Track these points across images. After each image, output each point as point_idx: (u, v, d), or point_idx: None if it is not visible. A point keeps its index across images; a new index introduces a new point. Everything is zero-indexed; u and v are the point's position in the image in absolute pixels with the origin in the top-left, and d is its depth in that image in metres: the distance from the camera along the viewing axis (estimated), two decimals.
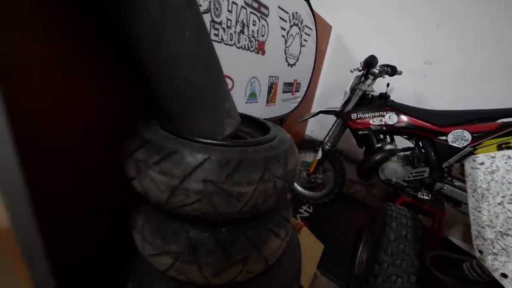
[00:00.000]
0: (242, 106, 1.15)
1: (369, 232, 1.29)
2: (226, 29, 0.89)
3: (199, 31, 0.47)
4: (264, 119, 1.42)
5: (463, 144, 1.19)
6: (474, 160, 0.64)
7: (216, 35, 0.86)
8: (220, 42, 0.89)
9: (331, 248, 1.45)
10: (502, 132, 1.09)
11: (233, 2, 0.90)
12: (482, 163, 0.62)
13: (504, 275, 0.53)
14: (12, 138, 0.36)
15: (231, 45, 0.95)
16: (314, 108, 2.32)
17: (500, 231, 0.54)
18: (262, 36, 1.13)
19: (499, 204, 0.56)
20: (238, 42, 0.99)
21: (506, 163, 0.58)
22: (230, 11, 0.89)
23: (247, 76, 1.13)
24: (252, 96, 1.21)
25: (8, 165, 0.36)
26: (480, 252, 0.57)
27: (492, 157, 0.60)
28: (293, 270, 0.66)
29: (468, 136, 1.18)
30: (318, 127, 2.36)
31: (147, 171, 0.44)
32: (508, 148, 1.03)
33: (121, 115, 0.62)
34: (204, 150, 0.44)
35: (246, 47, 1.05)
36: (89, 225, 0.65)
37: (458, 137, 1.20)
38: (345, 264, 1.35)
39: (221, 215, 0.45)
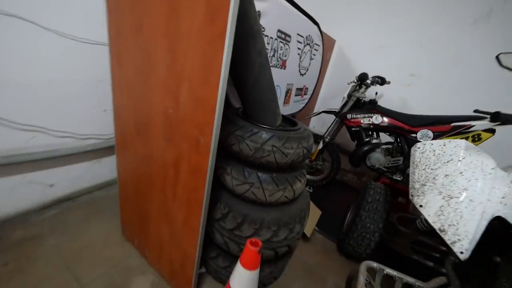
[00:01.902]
0: None
1: (355, 202, 1.76)
2: (268, 57, 1.33)
3: (270, 72, 0.92)
4: (284, 115, 1.86)
5: (427, 140, 1.65)
6: (416, 146, 1.09)
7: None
8: None
9: (326, 216, 1.92)
10: (453, 132, 1.56)
11: (271, 37, 1.34)
12: (419, 148, 1.07)
13: (421, 206, 0.99)
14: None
15: (270, 66, 1.39)
16: (317, 108, 2.76)
17: (422, 184, 1.00)
18: (285, 56, 1.57)
19: (423, 169, 1.02)
20: (271, 63, 1.43)
21: (430, 147, 1.03)
22: (268, 43, 1.33)
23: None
24: None
25: None
26: (412, 195, 1.03)
27: (424, 144, 1.06)
28: (306, 203, 1.12)
29: (431, 134, 1.64)
30: (319, 124, 2.81)
31: (243, 140, 0.90)
32: None
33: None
34: (271, 131, 0.89)
35: (275, 65, 1.49)
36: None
37: (424, 135, 1.66)
38: (336, 227, 1.83)
39: (277, 164, 0.91)
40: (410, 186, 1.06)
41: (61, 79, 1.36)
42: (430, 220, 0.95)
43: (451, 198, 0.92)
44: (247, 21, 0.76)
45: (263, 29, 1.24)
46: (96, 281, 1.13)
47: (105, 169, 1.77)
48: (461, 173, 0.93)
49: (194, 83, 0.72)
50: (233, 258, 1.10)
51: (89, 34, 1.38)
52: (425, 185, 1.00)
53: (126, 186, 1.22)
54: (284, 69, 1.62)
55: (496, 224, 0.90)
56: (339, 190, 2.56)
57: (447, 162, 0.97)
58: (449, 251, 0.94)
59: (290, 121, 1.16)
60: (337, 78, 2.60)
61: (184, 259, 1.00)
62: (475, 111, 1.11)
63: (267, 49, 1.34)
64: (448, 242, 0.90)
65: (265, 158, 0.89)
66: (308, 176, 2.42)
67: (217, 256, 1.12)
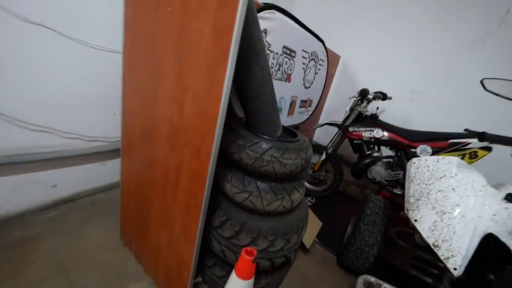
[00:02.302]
0: None
1: (355, 214, 1.77)
2: (270, 71, 1.40)
3: (272, 85, 0.99)
4: (285, 126, 1.92)
5: (426, 155, 1.67)
6: (411, 161, 1.13)
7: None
8: None
9: (327, 228, 1.93)
10: (451, 149, 1.58)
11: (276, 53, 1.42)
12: (414, 163, 1.10)
13: (415, 220, 1.01)
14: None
15: (272, 80, 1.46)
16: (321, 120, 2.82)
17: (416, 198, 1.03)
18: (290, 70, 1.64)
19: (418, 184, 1.05)
20: (275, 76, 1.51)
21: (424, 162, 1.06)
22: (274, 58, 1.41)
23: (278, 96, 1.64)
24: (279, 110, 1.72)
25: None
26: (407, 210, 1.06)
27: (419, 160, 1.09)
28: (304, 213, 1.15)
29: (429, 150, 1.66)
30: (323, 135, 2.85)
31: (243, 149, 0.95)
32: None
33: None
34: (271, 142, 0.94)
35: (280, 78, 1.56)
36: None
37: (423, 150, 1.69)
38: (336, 239, 1.83)
39: (276, 173, 0.96)
40: (406, 200, 1.08)
41: (76, 83, 1.43)
42: (424, 235, 0.97)
43: (444, 213, 0.95)
44: (251, 40, 0.84)
45: (268, 45, 1.32)
46: (90, 287, 1.13)
47: (108, 172, 1.81)
48: (453, 189, 0.96)
49: (199, 94, 0.78)
50: (230, 268, 1.13)
51: (105, 42, 1.48)
52: (419, 199, 1.03)
53: (128, 189, 1.27)
54: (289, 82, 1.69)
55: (491, 242, 0.92)
56: (342, 202, 2.57)
57: (440, 178, 1.00)
58: (446, 268, 0.95)
59: (291, 132, 1.21)
60: (341, 92, 2.66)
61: (181, 266, 1.03)
62: (466, 130, 1.15)
63: (272, 63, 1.42)
64: (442, 257, 0.92)
65: (264, 167, 0.94)
66: (310, 186, 2.44)
67: (214, 265, 1.15)
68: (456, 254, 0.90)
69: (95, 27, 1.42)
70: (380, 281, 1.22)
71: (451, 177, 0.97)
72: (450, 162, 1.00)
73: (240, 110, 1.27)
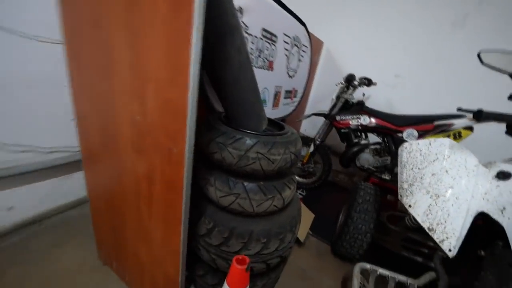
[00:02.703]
0: None
1: (346, 203, 1.75)
2: (250, 55, 1.30)
3: (252, 71, 0.89)
4: (270, 118, 1.84)
5: (412, 139, 1.67)
6: (403, 146, 1.09)
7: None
8: None
9: (319, 218, 1.91)
10: (436, 131, 1.58)
11: (255, 36, 1.32)
12: (406, 147, 1.07)
13: (410, 206, 0.98)
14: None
15: (252, 66, 1.36)
16: (308, 110, 2.77)
17: (410, 183, 1.00)
18: (272, 57, 1.55)
19: (411, 169, 1.01)
20: (257, 63, 1.41)
21: (416, 146, 1.03)
22: (253, 43, 1.31)
23: (261, 87, 1.54)
24: (263, 102, 1.63)
25: None
26: (401, 196, 1.03)
27: (411, 144, 1.06)
28: (297, 209, 1.09)
29: (416, 133, 1.66)
30: (310, 126, 2.81)
31: (225, 148, 0.86)
32: None
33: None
34: (255, 137, 0.86)
35: (261, 66, 1.47)
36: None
37: (409, 134, 1.68)
38: (329, 229, 1.81)
39: (264, 171, 0.88)
40: (399, 186, 1.05)
41: (18, 85, 1.19)
42: (419, 220, 0.94)
43: (438, 196, 0.92)
44: (223, 15, 0.73)
45: (246, 27, 1.22)
46: None
47: (77, 185, 1.61)
48: (446, 171, 0.93)
49: (162, 84, 0.66)
50: (222, 275, 1.05)
51: (50, 32, 1.21)
52: (413, 185, 0.99)
53: (97, 204, 1.13)
54: (272, 70, 1.60)
55: (479, 219, 0.90)
56: (332, 191, 2.56)
57: (433, 161, 0.97)
58: (437, 247, 0.94)
59: (277, 124, 1.13)
60: (326, 81, 2.61)
61: (168, 281, 0.94)
62: (458, 109, 1.13)
63: (252, 48, 1.32)
64: (437, 240, 0.90)
65: (250, 166, 0.86)
66: (300, 179, 2.40)
67: (205, 274, 1.07)
68: (450, 236, 0.88)
69: (33, 14, 1.16)
70: (375, 267, 1.20)
71: (444, 159, 0.94)
72: (442, 144, 0.97)
73: (219, 103, 1.17)
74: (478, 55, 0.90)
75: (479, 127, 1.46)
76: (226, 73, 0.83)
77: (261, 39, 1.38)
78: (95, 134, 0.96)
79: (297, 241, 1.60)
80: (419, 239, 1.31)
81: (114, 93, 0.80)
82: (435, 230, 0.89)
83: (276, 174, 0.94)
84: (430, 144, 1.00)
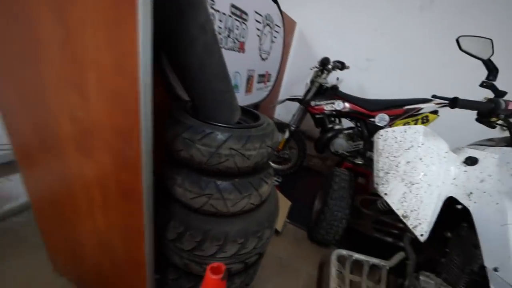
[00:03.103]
0: None
1: (322, 189, 1.77)
2: (217, 35, 1.15)
3: (221, 55, 0.77)
4: (244, 106, 1.73)
5: (384, 123, 1.70)
6: (378, 133, 1.08)
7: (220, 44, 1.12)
8: None
9: (296, 205, 1.92)
10: (406, 115, 1.62)
11: (223, 13, 1.16)
12: (381, 135, 1.06)
13: (385, 194, 0.99)
14: None
15: (221, 47, 1.22)
16: (282, 95, 2.69)
17: (386, 172, 1.00)
18: (243, 37, 1.41)
19: (386, 157, 1.01)
20: (226, 45, 1.26)
21: (392, 134, 1.03)
22: (221, 21, 1.15)
23: (232, 71, 1.41)
24: (235, 87, 1.50)
25: None
26: (377, 184, 1.03)
27: (386, 131, 1.05)
28: (275, 205, 1.04)
29: (387, 118, 1.69)
30: (284, 111, 2.75)
31: (192, 144, 0.75)
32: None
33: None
34: (228, 131, 0.75)
35: (231, 47, 1.32)
36: None
37: (381, 119, 1.70)
38: (306, 215, 1.83)
39: (239, 168, 0.79)
40: (375, 174, 1.05)
41: None
42: (394, 208, 0.95)
43: (413, 184, 0.93)
44: None
45: (212, 2, 1.06)
46: None
47: (20, 189, 1.39)
48: (420, 159, 0.94)
49: (104, 69, 0.52)
50: (198, 278, 0.98)
51: None
52: (388, 173, 1.00)
53: (43, 211, 0.96)
54: (243, 52, 1.47)
55: (447, 202, 0.95)
56: (306, 176, 2.59)
57: (408, 148, 0.97)
58: (406, 228, 0.97)
59: (250, 114, 1.03)
60: (300, 63, 2.53)
61: None
62: (433, 96, 1.15)
63: (220, 27, 1.17)
64: (410, 227, 0.92)
65: (223, 164, 0.76)
66: (276, 166, 2.38)
67: (179, 277, 0.99)
68: (423, 221, 0.91)
69: None
70: (351, 253, 1.24)
71: (418, 147, 0.95)
72: (417, 131, 0.97)
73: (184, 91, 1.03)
74: (457, 41, 0.89)
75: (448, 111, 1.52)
76: (189, 57, 0.70)
77: (230, 16, 1.23)
78: (28, 132, 0.77)
79: (275, 230, 1.58)
80: (389, 221, 1.37)
81: (45, 83, 0.63)
82: (409, 217, 0.91)
83: (253, 170, 0.86)
84: (405, 131, 1.00)
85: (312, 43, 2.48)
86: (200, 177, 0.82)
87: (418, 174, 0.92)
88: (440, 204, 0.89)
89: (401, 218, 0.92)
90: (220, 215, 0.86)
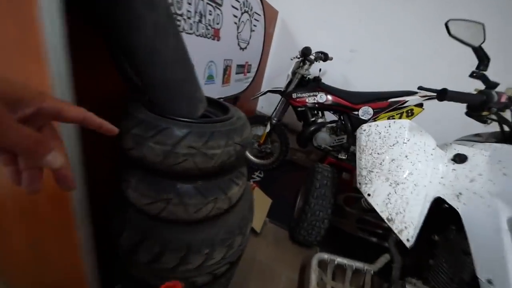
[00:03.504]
0: (202, 87, 1.29)
1: (304, 186, 1.69)
2: (186, 20, 1.01)
3: (178, 38, 0.63)
4: (221, 98, 1.60)
5: (368, 117, 1.63)
6: (361, 128, 1.00)
7: (178, 25, 0.98)
8: (182, 32, 1.01)
9: (278, 202, 1.83)
10: (390, 108, 1.56)
11: None
12: (364, 130, 0.98)
13: (369, 195, 0.91)
14: None
15: (190, 33, 1.07)
16: (264, 87, 2.57)
17: (369, 170, 0.92)
18: (217, 24, 1.27)
19: (370, 154, 0.93)
20: (197, 31, 1.12)
21: (375, 129, 0.94)
22: (189, 3, 1.01)
23: (205, 60, 1.28)
24: (210, 78, 1.37)
25: None
26: (359, 183, 0.95)
27: (370, 126, 0.96)
28: (249, 208, 0.94)
29: (371, 111, 1.62)
30: (267, 104, 2.64)
31: (144, 142, 0.62)
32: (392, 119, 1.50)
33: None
34: (187, 126, 0.63)
35: (204, 34, 1.18)
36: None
37: (365, 112, 1.63)
38: (288, 212, 1.75)
39: (200, 170, 0.67)
40: (357, 173, 0.97)
41: None
42: (378, 210, 0.88)
43: (398, 184, 0.86)
44: None
45: None
46: None
47: None
48: (406, 156, 0.86)
49: (5, 50, 0.39)
50: None
51: None
52: (372, 171, 0.91)
53: None
54: (218, 40, 1.33)
55: (433, 203, 0.88)
56: (290, 170, 2.51)
57: (393, 145, 0.89)
58: (393, 232, 0.90)
59: (220, 106, 0.91)
60: (283, 54, 2.41)
61: None
62: (419, 88, 1.09)
63: (189, 11, 1.02)
64: (396, 231, 0.85)
65: (181, 164, 0.64)
66: (257, 160, 2.27)
67: None
68: (409, 225, 0.84)
69: None
70: (333, 257, 1.17)
71: (404, 143, 0.87)
72: (402, 126, 0.89)
73: None
74: (446, 25, 0.80)
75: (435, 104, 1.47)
76: (136, 39, 0.56)
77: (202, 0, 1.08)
78: None
79: (253, 231, 1.49)
80: (374, 220, 1.31)
81: None
82: (394, 220, 0.84)
83: (219, 170, 0.75)
84: (389, 126, 0.92)
85: (295, 33, 2.37)
86: (156, 179, 0.70)
87: (403, 173, 0.85)
88: (427, 206, 0.82)
89: (386, 221, 0.85)
90: (182, 223, 0.74)
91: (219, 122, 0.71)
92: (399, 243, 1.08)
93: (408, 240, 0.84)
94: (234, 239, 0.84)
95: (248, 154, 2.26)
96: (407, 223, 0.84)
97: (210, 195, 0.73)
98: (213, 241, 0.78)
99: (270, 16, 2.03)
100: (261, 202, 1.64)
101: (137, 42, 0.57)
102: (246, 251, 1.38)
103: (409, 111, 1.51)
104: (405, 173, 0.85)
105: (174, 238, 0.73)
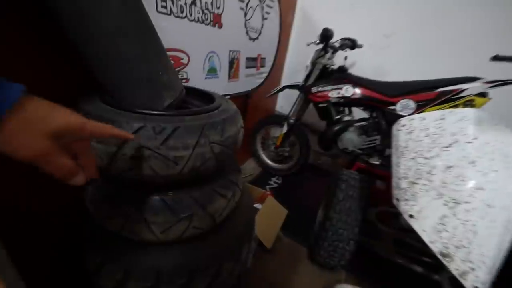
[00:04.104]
0: (201, 81, 1.14)
1: (325, 196, 1.43)
2: (175, 1, 0.86)
3: (129, 5, 0.47)
4: (228, 95, 1.43)
5: (409, 112, 1.31)
6: (398, 123, 0.73)
7: (164, 7, 0.83)
8: (170, 15, 0.87)
9: (296, 212, 1.58)
10: (440, 100, 1.22)
11: None
12: (404, 125, 0.71)
13: (411, 216, 0.64)
14: None
15: (182, 17, 0.93)
16: (284, 83, 2.35)
17: (411, 181, 0.65)
18: (218, 8, 1.10)
19: (412, 158, 0.66)
20: (190, 15, 0.97)
21: (421, 123, 0.67)
22: None
23: (204, 50, 1.12)
24: (212, 71, 1.21)
25: None
26: (397, 199, 0.68)
27: (412, 120, 0.69)
28: (246, 225, 0.74)
29: (413, 105, 1.30)
30: (287, 103, 2.40)
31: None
32: None
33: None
34: (139, 119, 0.46)
35: (200, 19, 1.03)
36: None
37: (404, 106, 1.32)
38: (309, 226, 1.49)
39: (163, 177, 0.49)
40: (394, 185, 0.70)
41: None
42: (426, 239, 0.61)
43: (458, 203, 0.58)
44: None
45: None
46: None
47: None
48: (472, 162, 0.58)
49: None
50: None
51: None
52: (416, 183, 0.64)
53: None
54: (220, 28, 1.16)
55: None
56: (313, 176, 2.23)
57: (450, 146, 0.61)
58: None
59: (206, 97, 0.73)
60: (304, 46, 2.17)
61: None
62: (494, 57, 0.76)
63: None
64: (456, 273, 0.57)
65: (133, 171, 0.47)
66: (275, 165, 2.06)
67: None
68: (478, 266, 0.55)
69: None
70: None
71: (468, 142, 0.59)
72: (464, 117, 0.61)
73: None
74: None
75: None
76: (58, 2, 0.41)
77: None
78: None
79: (262, 247, 1.27)
80: (418, 244, 1.00)
81: None
82: (453, 256, 0.56)
83: (195, 179, 0.56)
84: (443, 118, 0.64)
85: (318, 22, 2.11)
86: (112, 188, 0.54)
87: (467, 188, 0.57)
88: (509, 238, 0.53)
89: (439, 257, 0.58)
90: (151, 244, 0.58)
91: (193, 114, 0.53)
92: (456, 281, 0.77)
93: (476, 287, 0.55)
94: (222, 266, 0.65)
95: (264, 157, 2.06)
96: (475, 262, 0.55)
97: (183, 211, 0.55)
98: (190, 269, 0.59)
99: (286, 3, 1.82)
100: (274, 213, 1.42)
101: (61, 6, 0.42)
102: (253, 270, 1.18)
103: (468, 103, 1.15)
104: (471, 187, 0.56)
105: (138, 262, 0.57)
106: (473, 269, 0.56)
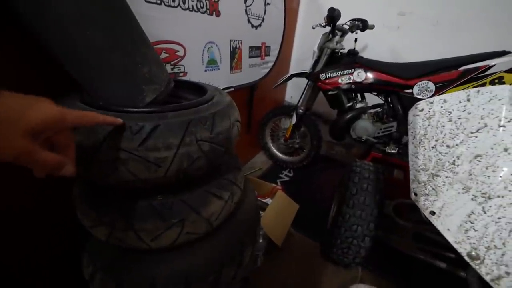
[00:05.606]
0: (201, 74, 1.09)
1: (338, 189, 1.35)
2: None
3: None
4: (231, 87, 1.37)
5: (427, 95, 1.19)
6: (415, 108, 0.64)
7: None
8: (160, 4, 0.81)
9: (308, 207, 1.52)
10: (464, 80, 1.09)
11: None
12: (422, 110, 0.62)
13: (432, 212, 0.56)
14: None
15: (174, 6, 0.87)
16: (292, 72, 2.24)
17: (432, 173, 0.57)
18: None
19: (432, 147, 0.58)
20: (184, 3, 0.91)
21: (442, 107, 0.58)
22: None
23: (202, 41, 1.06)
24: (212, 63, 1.15)
25: None
26: (415, 194, 0.60)
27: (431, 103, 0.60)
28: (249, 226, 0.69)
29: (432, 86, 1.17)
30: (297, 92, 2.30)
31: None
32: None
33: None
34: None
35: (195, 8, 0.96)
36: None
37: (423, 89, 1.19)
38: (322, 221, 1.43)
39: (145, 182, 0.45)
40: (412, 177, 0.62)
41: None
42: (450, 239, 0.53)
43: (489, 198, 0.49)
44: None
45: None
46: None
47: None
48: (506, 150, 0.48)
49: None
50: None
51: None
52: (438, 175, 0.56)
53: None
54: (218, 16, 1.10)
55: None
56: (327, 168, 2.13)
57: (477, 131, 0.52)
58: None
59: (199, 90, 0.68)
60: (312, 33, 2.05)
61: None
62: None
63: None
64: (487, 278, 0.49)
65: (112, 176, 0.43)
66: (286, 158, 1.99)
67: None
68: None
69: None
70: None
71: (500, 126, 0.49)
72: (495, 96, 0.51)
73: None
74: None
75: None
76: None
77: None
78: None
79: (272, 244, 1.23)
80: (441, 239, 0.91)
81: None
82: (483, 259, 0.48)
83: (184, 181, 0.52)
84: (468, 99, 0.54)
85: (325, 4, 1.96)
86: (97, 194, 0.51)
87: (500, 180, 0.48)
88: None
89: (467, 259, 0.50)
90: (144, 251, 0.55)
91: (176, 110, 0.48)
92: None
93: None
94: (221, 272, 0.61)
95: (274, 150, 2.00)
96: (510, 266, 0.47)
97: (173, 216, 0.51)
98: (187, 276, 0.56)
99: None
100: (285, 209, 1.37)
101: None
102: (263, 269, 1.14)
103: (496, 81, 1.02)
104: (504, 180, 0.48)
105: (131, 271, 0.54)
106: (508, 273, 0.47)
